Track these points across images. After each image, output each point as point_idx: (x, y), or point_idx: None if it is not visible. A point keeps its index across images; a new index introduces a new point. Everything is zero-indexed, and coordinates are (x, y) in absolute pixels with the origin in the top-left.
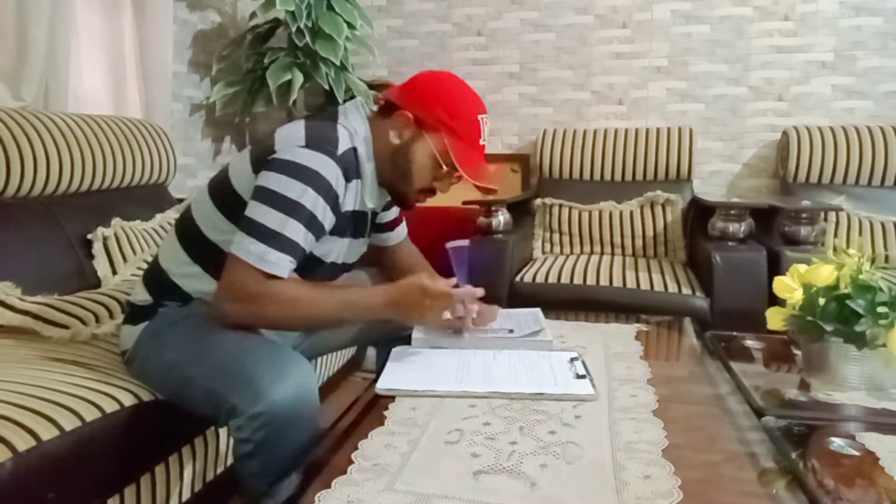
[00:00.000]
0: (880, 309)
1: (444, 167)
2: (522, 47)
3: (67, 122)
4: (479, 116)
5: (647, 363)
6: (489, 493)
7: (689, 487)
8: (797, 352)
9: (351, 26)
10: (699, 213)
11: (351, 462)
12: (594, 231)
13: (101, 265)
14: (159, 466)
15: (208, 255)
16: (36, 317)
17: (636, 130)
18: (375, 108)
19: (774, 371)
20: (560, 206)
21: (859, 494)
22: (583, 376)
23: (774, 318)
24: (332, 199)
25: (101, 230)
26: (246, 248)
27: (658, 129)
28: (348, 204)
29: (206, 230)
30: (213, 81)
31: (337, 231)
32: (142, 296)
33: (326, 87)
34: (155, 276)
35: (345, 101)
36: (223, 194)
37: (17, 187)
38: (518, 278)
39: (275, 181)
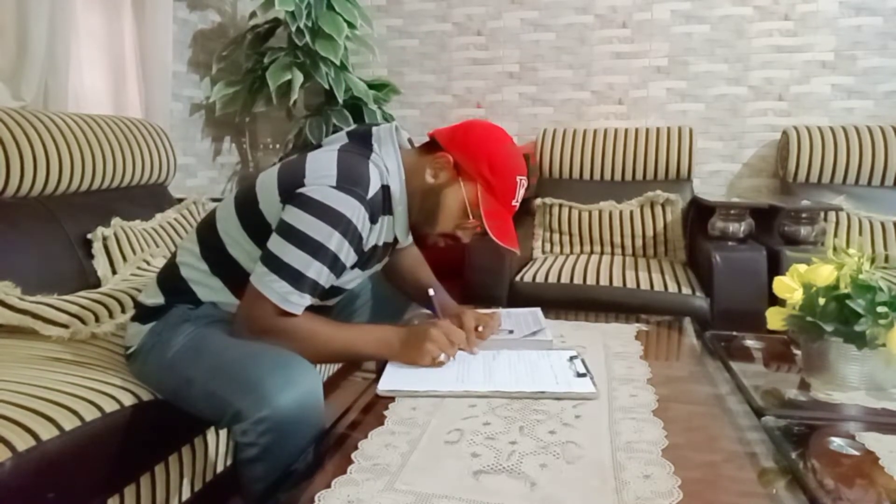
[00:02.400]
0: (880, 309)
1: (471, 218)
2: (522, 47)
3: (67, 121)
4: (518, 178)
5: (646, 363)
6: (489, 493)
7: (689, 487)
8: (797, 352)
9: (351, 26)
10: (699, 212)
11: (351, 462)
12: (594, 231)
13: (100, 265)
14: (159, 466)
15: (229, 270)
16: (35, 316)
17: (636, 130)
18: (408, 137)
19: (774, 371)
20: (560, 205)
21: (859, 494)
22: (583, 375)
23: (774, 318)
24: (356, 241)
25: (100, 230)
26: (269, 286)
27: (658, 129)
28: (371, 241)
29: (229, 246)
30: (213, 81)
31: (358, 265)
32: (154, 298)
33: (326, 86)
34: (171, 280)
35: (344, 101)
36: (249, 213)
37: (16, 187)
38: (518, 278)
39: (302, 220)
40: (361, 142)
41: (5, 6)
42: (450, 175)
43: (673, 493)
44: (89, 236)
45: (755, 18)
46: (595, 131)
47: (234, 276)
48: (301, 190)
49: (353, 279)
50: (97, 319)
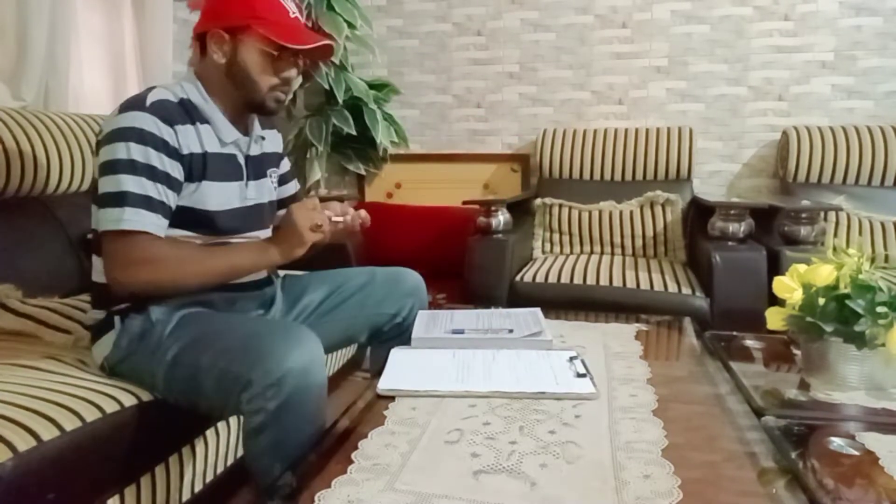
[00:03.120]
0: (880, 309)
1: (276, 53)
2: (522, 47)
3: (67, 121)
4: None
5: (646, 363)
6: (489, 493)
7: (689, 487)
8: (797, 352)
9: (351, 26)
10: (699, 212)
11: (351, 462)
12: (594, 231)
13: None
14: (160, 466)
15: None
16: (37, 321)
17: (636, 130)
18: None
19: (774, 371)
20: (560, 205)
21: (859, 494)
22: (583, 375)
23: (774, 318)
24: (160, 145)
25: None
26: (103, 220)
27: (658, 129)
28: (192, 146)
29: (97, 227)
30: None
31: (208, 175)
32: (93, 314)
33: (326, 86)
34: (96, 293)
35: (344, 101)
36: (94, 189)
37: (17, 187)
38: (518, 278)
39: (104, 154)
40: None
41: (5, 6)
42: (229, 42)
43: (673, 492)
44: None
45: (755, 18)
46: (595, 131)
47: None
48: (99, 138)
49: (217, 196)
50: None
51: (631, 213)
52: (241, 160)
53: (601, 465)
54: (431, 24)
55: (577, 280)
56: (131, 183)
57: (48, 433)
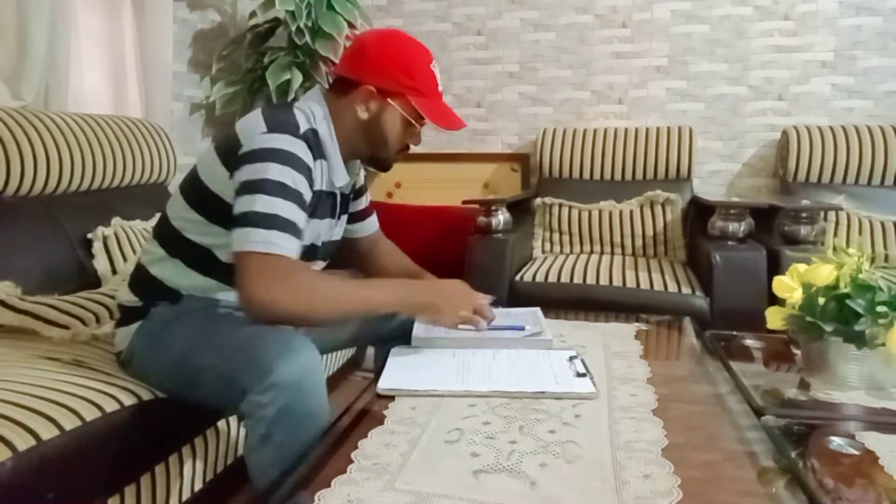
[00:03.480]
0: (880, 308)
1: (417, 126)
2: (522, 47)
3: (67, 121)
4: (431, 66)
5: (646, 362)
6: (489, 493)
7: (689, 486)
8: (797, 351)
9: (351, 25)
10: (699, 212)
11: (351, 461)
12: (594, 230)
13: (101, 264)
14: (159, 466)
15: (187, 250)
16: (36, 317)
17: (636, 130)
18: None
19: (774, 370)
20: (560, 205)
21: (859, 494)
22: (583, 374)
23: (774, 318)
24: (308, 175)
25: (101, 229)
26: (248, 239)
27: (658, 129)
28: (317, 183)
29: (187, 232)
30: (213, 81)
31: (316, 213)
32: (129, 297)
33: (326, 86)
34: (142, 281)
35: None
36: (196, 194)
37: (17, 187)
38: (518, 278)
39: (253, 171)
40: (285, 101)
41: (5, 6)
42: (379, 102)
43: (673, 492)
44: (89, 236)
45: (755, 18)
46: (595, 131)
47: (194, 255)
48: (241, 151)
49: (311, 231)
50: (98, 320)
51: (631, 212)
52: (339, 199)
53: (601, 464)
54: (431, 24)
55: (577, 280)
56: (285, 209)
57: (48, 433)
